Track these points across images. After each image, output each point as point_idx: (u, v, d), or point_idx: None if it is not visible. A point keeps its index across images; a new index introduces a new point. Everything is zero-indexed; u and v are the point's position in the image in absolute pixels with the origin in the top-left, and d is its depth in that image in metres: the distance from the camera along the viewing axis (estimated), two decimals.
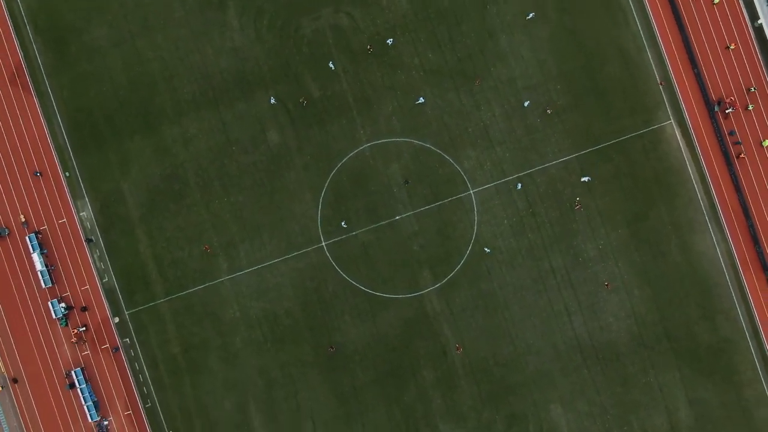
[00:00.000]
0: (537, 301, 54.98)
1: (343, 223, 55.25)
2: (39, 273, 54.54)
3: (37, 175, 55.32)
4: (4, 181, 55.38)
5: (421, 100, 55.26)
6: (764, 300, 55.02)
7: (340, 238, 55.34)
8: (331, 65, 55.44)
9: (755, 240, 55.04)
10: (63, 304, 54.81)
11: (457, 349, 54.82)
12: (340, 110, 55.45)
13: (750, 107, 54.66)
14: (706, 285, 54.92)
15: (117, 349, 55.29)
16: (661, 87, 54.96)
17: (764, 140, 54.66)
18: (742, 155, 54.66)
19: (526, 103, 54.97)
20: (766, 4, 54.41)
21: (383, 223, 55.40)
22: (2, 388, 55.14)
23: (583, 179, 54.71)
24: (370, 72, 55.47)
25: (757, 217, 55.12)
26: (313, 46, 55.54)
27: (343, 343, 55.15)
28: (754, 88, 54.95)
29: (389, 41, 55.23)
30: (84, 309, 55.12)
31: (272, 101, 55.30)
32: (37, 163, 55.52)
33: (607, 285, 54.68)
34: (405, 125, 55.43)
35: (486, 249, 55.04)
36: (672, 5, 55.22)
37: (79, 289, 55.40)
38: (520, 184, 54.96)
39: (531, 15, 55.24)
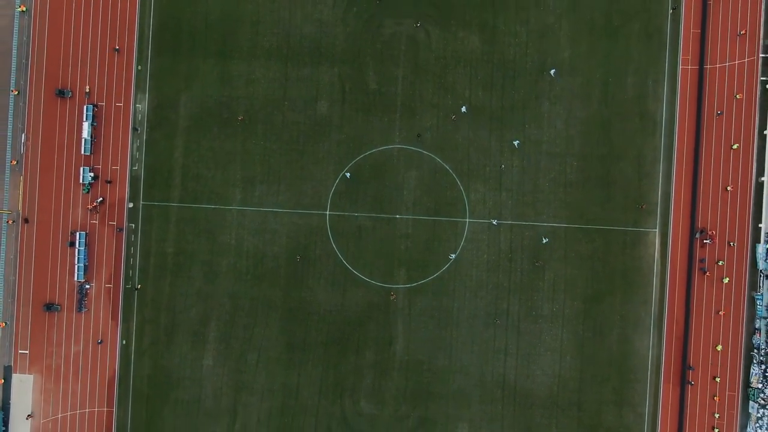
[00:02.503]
0: (483, 333, 61.62)
1: (347, 174, 61.38)
2: (83, 140, 60.98)
3: (115, 51, 61.43)
4: (85, 53, 61.68)
5: (464, 109, 61.19)
6: (671, 409, 61.65)
7: (342, 213, 61.80)
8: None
9: (684, 357, 61.65)
10: (92, 174, 61.29)
11: (392, 296, 61.21)
12: (387, 108, 61.70)
13: (725, 280, 61.02)
14: (628, 377, 61.51)
15: (121, 229, 61.81)
16: (641, 208, 61.10)
17: (725, 277, 61.29)
18: (707, 274, 61.20)
19: (516, 143, 60.82)
20: None
21: (384, 216, 61.86)
22: (13, 222, 61.71)
23: (543, 240, 61.22)
24: (425, 87, 61.65)
25: (694, 339, 61.53)
26: (387, 46, 61.69)
27: (309, 301, 61.85)
28: (734, 243, 60.96)
29: None
30: (108, 182, 61.61)
31: (353, 9, 60.88)
32: (119, 49, 61.92)
33: (497, 321, 61.14)
34: (435, 143, 61.76)
35: (451, 255, 61.39)
36: (697, 134, 61.46)
37: (110, 167, 61.91)
38: (495, 221, 61.09)
39: (553, 71, 60.99)
